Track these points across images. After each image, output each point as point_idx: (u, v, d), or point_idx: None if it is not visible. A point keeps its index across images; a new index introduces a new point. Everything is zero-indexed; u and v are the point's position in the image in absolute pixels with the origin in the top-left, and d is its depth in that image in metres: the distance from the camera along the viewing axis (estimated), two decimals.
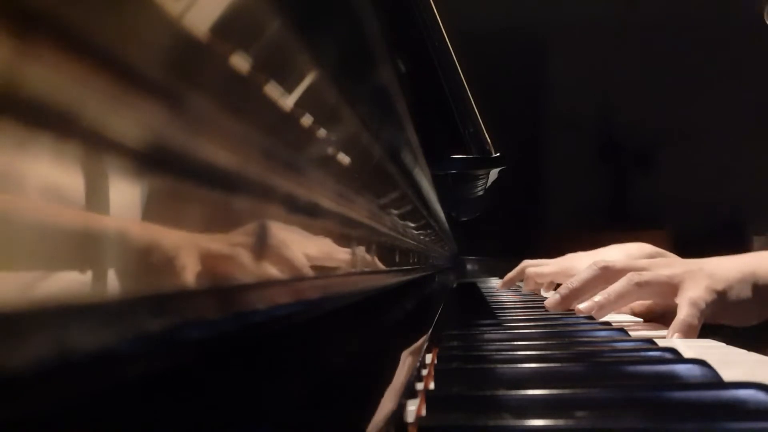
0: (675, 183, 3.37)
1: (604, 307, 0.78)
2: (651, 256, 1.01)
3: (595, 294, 0.80)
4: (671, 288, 0.75)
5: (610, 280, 0.79)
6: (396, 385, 0.35)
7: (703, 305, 0.71)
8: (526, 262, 1.24)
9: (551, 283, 1.15)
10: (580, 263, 1.08)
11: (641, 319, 0.84)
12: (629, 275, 0.77)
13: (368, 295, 0.42)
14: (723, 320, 0.75)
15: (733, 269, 0.75)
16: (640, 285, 0.76)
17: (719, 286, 0.73)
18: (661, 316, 0.81)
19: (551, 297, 0.87)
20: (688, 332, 0.69)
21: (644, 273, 0.77)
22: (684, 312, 0.70)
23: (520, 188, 3.12)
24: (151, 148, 0.13)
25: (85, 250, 0.11)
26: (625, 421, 0.33)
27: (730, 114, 3.26)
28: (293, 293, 0.24)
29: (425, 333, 0.58)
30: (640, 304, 0.85)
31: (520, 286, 1.29)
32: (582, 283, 0.83)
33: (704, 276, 0.74)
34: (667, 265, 0.79)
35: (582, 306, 0.80)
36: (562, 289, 0.85)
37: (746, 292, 0.74)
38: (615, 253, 1.06)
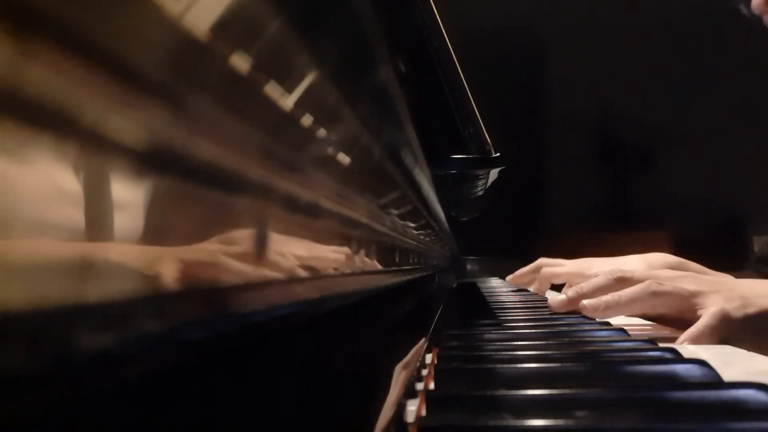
0: (675, 183, 3.36)
1: (610, 308, 0.75)
2: (672, 267, 0.95)
3: None
4: (691, 304, 0.71)
5: None
6: (396, 385, 0.35)
7: (730, 319, 0.67)
8: (542, 260, 1.20)
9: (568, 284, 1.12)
10: (597, 266, 1.05)
11: (650, 323, 0.80)
12: (648, 282, 0.74)
13: (368, 295, 0.42)
14: (744, 345, 0.71)
15: (766, 294, 0.70)
16: (655, 294, 0.73)
17: (751, 310, 0.68)
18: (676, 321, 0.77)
19: (557, 298, 0.85)
20: (700, 342, 0.65)
21: (665, 283, 0.73)
22: (705, 322, 0.66)
23: (520, 188, 3.12)
24: (151, 149, 0.13)
25: (84, 251, 0.11)
26: (625, 421, 0.33)
27: (730, 114, 3.26)
28: (293, 293, 0.24)
29: (425, 333, 0.58)
30: (655, 312, 0.80)
31: (518, 285, 1.28)
32: (593, 289, 0.79)
33: (736, 296, 0.69)
34: (695, 280, 0.74)
35: (587, 302, 0.77)
36: (570, 291, 0.82)
37: None
38: (635, 262, 1.01)
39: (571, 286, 1.08)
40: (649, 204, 3.46)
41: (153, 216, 0.13)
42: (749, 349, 0.68)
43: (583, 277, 1.03)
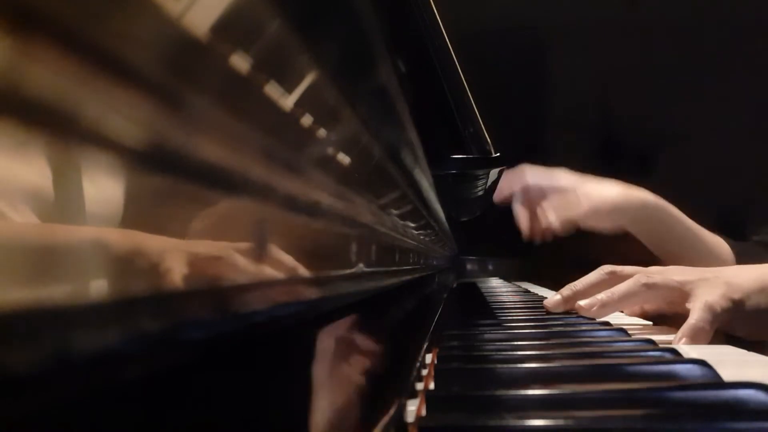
0: (675, 183, 3.36)
1: (606, 306, 0.76)
2: (646, 204, 0.99)
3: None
4: (682, 294, 0.72)
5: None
6: (396, 385, 0.35)
7: (718, 310, 0.68)
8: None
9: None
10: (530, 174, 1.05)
11: (650, 322, 0.81)
12: (637, 276, 0.75)
13: (368, 295, 0.42)
14: (738, 332, 0.71)
15: (752, 279, 0.72)
16: (648, 286, 0.74)
17: (736, 295, 0.70)
18: (670, 319, 0.78)
19: (551, 297, 0.86)
20: (698, 337, 0.65)
21: (654, 276, 0.75)
22: (696, 316, 0.67)
23: None
24: (151, 148, 0.13)
25: (83, 251, 0.11)
26: (625, 421, 0.33)
27: (730, 114, 3.26)
28: (293, 293, 0.24)
29: (425, 333, 0.58)
30: (650, 306, 0.83)
31: (520, 286, 1.28)
32: (586, 287, 0.81)
33: (721, 283, 0.71)
34: (681, 271, 0.76)
35: (583, 302, 0.78)
36: (564, 291, 0.84)
37: (765, 304, 0.71)
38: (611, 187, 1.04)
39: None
40: None
41: (153, 215, 0.13)
42: (742, 334, 0.69)
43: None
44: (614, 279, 0.79)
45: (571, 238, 1.21)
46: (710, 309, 0.68)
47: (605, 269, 0.81)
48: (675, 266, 0.82)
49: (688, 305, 0.70)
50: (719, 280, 0.72)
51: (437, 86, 0.82)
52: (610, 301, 0.77)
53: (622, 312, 0.85)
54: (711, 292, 0.70)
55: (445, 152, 0.84)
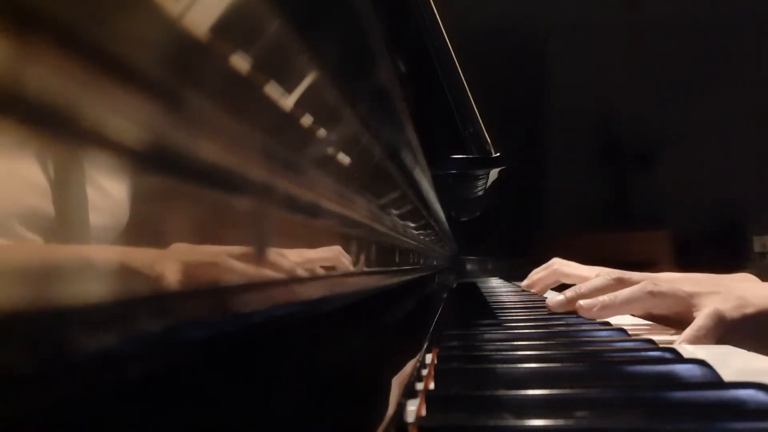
0: (675, 183, 3.37)
1: (606, 308, 0.75)
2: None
3: None
4: (688, 304, 0.70)
5: None
6: (396, 385, 0.35)
7: (726, 319, 0.66)
8: (555, 259, 1.17)
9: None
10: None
11: (650, 322, 0.79)
12: (644, 282, 0.74)
13: (368, 295, 0.42)
14: (748, 346, 0.70)
15: (766, 297, 0.69)
16: (652, 294, 0.73)
17: (749, 310, 0.68)
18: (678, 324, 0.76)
19: (555, 298, 0.85)
20: (699, 341, 0.64)
21: (661, 284, 0.73)
22: (700, 322, 0.66)
23: (520, 188, 3.13)
24: (151, 149, 0.13)
25: (84, 251, 0.11)
26: (625, 421, 0.33)
27: (730, 114, 3.26)
28: (293, 293, 0.24)
29: (425, 333, 0.58)
30: (655, 313, 0.81)
31: (519, 286, 1.28)
32: (591, 290, 0.80)
33: (734, 297, 0.69)
34: (693, 282, 0.74)
35: (584, 302, 0.77)
36: (568, 292, 0.83)
37: None
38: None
39: None
40: (649, 204, 3.46)
41: (152, 215, 0.13)
42: (749, 349, 0.68)
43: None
44: (620, 286, 0.77)
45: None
46: (718, 316, 0.66)
47: (613, 275, 0.80)
48: (687, 277, 0.80)
49: (697, 313, 0.69)
50: (732, 294, 0.70)
51: (437, 86, 0.82)
52: (612, 304, 0.75)
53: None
54: (723, 303, 0.68)
55: (445, 152, 0.84)
